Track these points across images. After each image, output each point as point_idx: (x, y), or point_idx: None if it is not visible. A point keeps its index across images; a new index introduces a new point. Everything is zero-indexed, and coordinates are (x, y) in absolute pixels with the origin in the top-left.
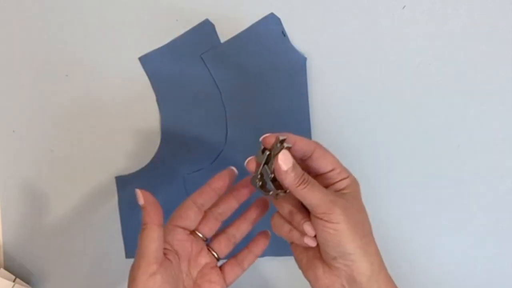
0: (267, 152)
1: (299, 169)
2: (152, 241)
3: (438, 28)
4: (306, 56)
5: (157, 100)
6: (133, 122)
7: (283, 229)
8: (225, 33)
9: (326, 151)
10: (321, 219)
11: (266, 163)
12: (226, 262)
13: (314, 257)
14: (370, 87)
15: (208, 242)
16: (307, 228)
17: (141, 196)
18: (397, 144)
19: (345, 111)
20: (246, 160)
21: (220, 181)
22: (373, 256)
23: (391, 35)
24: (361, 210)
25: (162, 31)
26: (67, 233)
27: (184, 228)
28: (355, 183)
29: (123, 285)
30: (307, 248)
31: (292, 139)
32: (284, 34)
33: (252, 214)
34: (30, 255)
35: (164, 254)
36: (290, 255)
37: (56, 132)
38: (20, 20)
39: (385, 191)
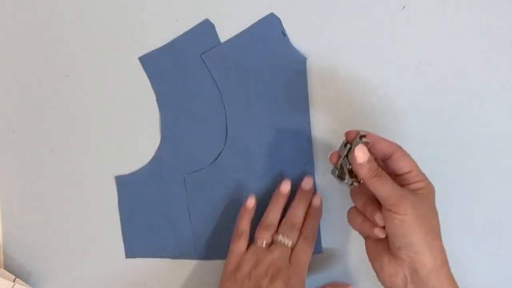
0: (348, 146)
1: (374, 163)
2: None
3: (438, 28)
4: (306, 56)
5: (157, 100)
6: (133, 122)
7: (356, 220)
8: (225, 33)
9: (406, 153)
10: (390, 210)
11: (346, 155)
12: None
13: (382, 248)
14: (370, 87)
15: None
16: (378, 217)
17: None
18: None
19: (345, 111)
20: (330, 154)
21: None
22: (437, 252)
23: (391, 35)
24: (432, 209)
25: (162, 31)
26: (67, 233)
27: None
28: (430, 186)
29: (123, 285)
30: (377, 240)
31: (374, 138)
32: (284, 34)
33: None
34: (30, 255)
35: None
36: None
37: (56, 132)
38: (20, 20)
39: None
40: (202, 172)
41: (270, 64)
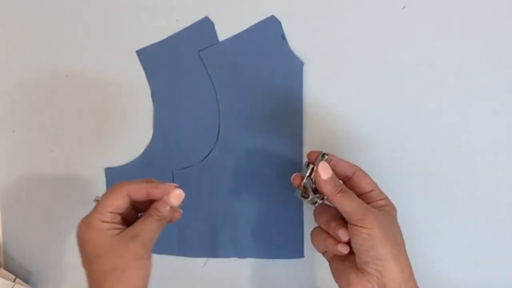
0: (311, 166)
1: (337, 180)
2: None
3: (438, 28)
4: (304, 58)
5: (152, 95)
6: (129, 117)
7: (319, 239)
8: (224, 33)
9: (366, 174)
10: (356, 225)
11: (309, 175)
12: None
13: (349, 265)
14: (370, 87)
15: None
16: (341, 233)
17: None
18: (397, 144)
19: (345, 111)
20: (292, 176)
21: (158, 192)
22: (404, 265)
23: (391, 35)
24: (396, 225)
25: (162, 32)
26: (67, 233)
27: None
28: (391, 205)
29: None
30: (343, 258)
31: (335, 159)
32: (283, 37)
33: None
34: (30, 255)
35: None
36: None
37: (56, 132)
38: (20, 20)
39: (385, 192)
40: (191, 169)
41: (267, 67)
